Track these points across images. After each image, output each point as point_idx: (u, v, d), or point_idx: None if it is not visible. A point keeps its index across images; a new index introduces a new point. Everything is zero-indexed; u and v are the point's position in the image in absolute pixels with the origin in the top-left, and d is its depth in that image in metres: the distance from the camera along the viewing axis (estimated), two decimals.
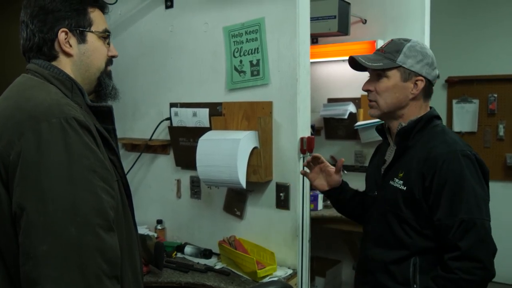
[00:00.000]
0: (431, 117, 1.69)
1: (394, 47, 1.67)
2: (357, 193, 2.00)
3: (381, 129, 1.84)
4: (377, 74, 1.69)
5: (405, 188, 1.61)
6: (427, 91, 1.69)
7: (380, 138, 1.89)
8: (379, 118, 1.79)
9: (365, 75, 1.77)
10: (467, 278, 1.47)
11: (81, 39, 1.28)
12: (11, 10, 3.74)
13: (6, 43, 3.76)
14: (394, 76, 1.66)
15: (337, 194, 1.97)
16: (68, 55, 1.26)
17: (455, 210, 1.51)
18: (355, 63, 1.73)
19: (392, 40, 1.72)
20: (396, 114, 1.70)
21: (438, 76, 1.72)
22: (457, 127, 4.75)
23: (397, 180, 1.64)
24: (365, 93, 1.76)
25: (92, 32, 1.29)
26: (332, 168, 1.95)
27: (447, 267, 1.51)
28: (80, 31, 1.27)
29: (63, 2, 1.24)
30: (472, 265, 1.47)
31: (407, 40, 1.69)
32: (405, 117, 1.70)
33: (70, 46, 1.26)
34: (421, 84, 1.65)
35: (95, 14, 1.30)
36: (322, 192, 2.01)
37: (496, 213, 3.90)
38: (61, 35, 1.24)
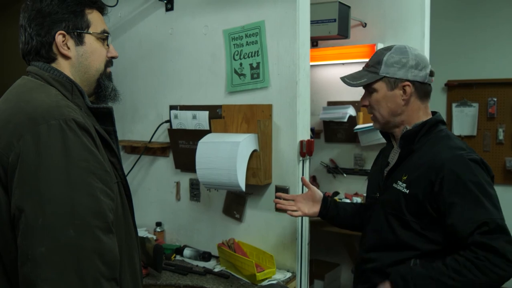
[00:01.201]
0: (437, 121, 1.70)
1: (376, 59, 1.71)
2: (347, 205, 2.02)
3: (386, 132, 1.85)
4: (368, 89, 1.74)
5: (407, 191, 1.61)
6: (421, 93, 1.70)
7: (380, 142, 1.90)
8: (382, 129, 1.82)
9: None
10: (493, 269, 1.44)
11: (79, 41, 1.27)
12: (10, 12, 3.74)
13: (5, 46, 3.76)
14: (381, 87, 1.70)
15: (325, 212, 1.97)
16: (66, 57, 1.26)
17: (477, 214, 1.49)
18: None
19: (376, 51, 1.76)
20: (395, 122, 1.73)
21: (432, 74, 1.72)
22: (456, 131, 4.75)
23: (400, 183, 1.64)
24: (365, 107, 1.80)
25: (90, 33, 1.29)
26: (308, 190, 1.98)
27: (471, 252, 1.47)
28: (78, 33, 1.27)
29: (60, 5, 1.24)
30: (501, 260, 1.44)
31: (389, 49, 1.71)
32: (406, 122, 1.71)
33: (68, 48, 1.26)
34: (409, 89, 1.67)
35: (93, 16, 1.30)
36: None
37: None
38: (59, 38, 1.24)
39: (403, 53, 1.68)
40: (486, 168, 1.59)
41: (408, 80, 1.66)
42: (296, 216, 2.00)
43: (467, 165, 1.54)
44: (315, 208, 1.97)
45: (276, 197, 2.04)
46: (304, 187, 2.28)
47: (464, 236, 1.49)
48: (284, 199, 2.01)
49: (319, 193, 1.99)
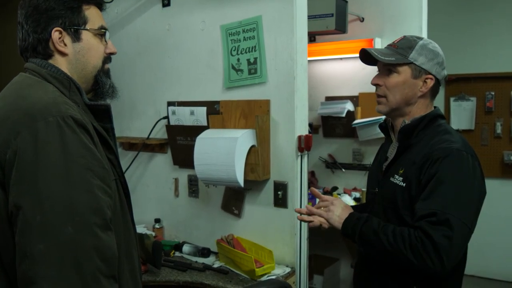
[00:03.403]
0: (435, 116, 1.69)
1: (407, 44, 1.67)
2: (361, 206, 1.99)
3: (385, 127, 1.84)
4: (387, 69, 1.69)
5: (404, 184, 1.61)
6: (435, 90, 1.70)
7: (379, 136, 1.89)
8: (386, 115, 1.78)
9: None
10: (422, 254, 1.45)
11: (76, 37, 1.26)
12: (8, 9, 3.73)
13: (5, 42, 3.75)
14: (405, 72, 1.66)
15: None
16: (63, 54, 1.25)
17: (430, 201, 1.49)
18: (365, 56, 1.72)
19: (404, 36, 1.72)
20: (403, 111, 1.70)
21: (446, 77, 1.72)
22: (454, 125, 4.76)
23: (397, 177, 1.64)
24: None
25: (87, 30, 1.28)
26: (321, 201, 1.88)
27: (415, 231, 1.49)
28: (75, 29, 1.26)
29: (57, 1, 1.23)
30: (432, 250, 1.44)
31: (420, 38, 1.69)
32: (411, 114, 1.70)
33: (65, 45, 1.25)
34: (430, 83, 1.66)
35: (90, 11, 1.29)
36: None
37: (493, 209, 3.91)
38: (55, 35, 1.23)
39: (434, 47, 1.68)
40: (473, 166, 1.55)
41: (432, 74, 1.66)
42: (323, 229, 1.86)
43: (453, 159, 1.53)
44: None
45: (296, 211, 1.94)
46: (302, 181, 2.29)
47: (415, 218, 1.51)
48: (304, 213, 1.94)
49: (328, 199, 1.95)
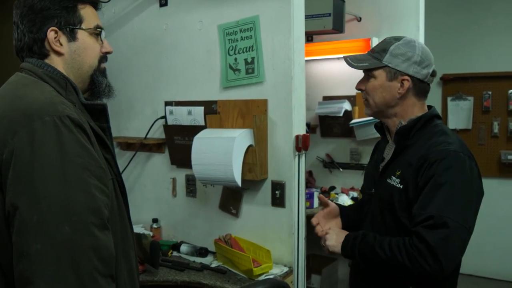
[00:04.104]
0: (432, 116, 1.69)
1: (382, 46, 1.69)
2: (357, 206, 1.99)
3: (380, 127, 1.84)
4: (367, 74, 1.72)
5: (401, 186, 1.61)
6: (418, 90, 1.68)
7: (376, 136, 1.89)
8: (372, 117, 1.82)
9: (360, 73, 1.78)
10: (419, 260, 1.46)
11: (72, 37, 1.26)
12: (3, 9, 3.72)
13: (1, 42, 3.74)
14: (380, 75, 1.68)
15: (347, 224, 1.91)
16: (58, 54, 1.25)
17: (427, 205, 1.49)
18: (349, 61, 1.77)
19: (385, 39, 1.74)
20: (387, 112, 1.72)
21: (433, 74, 1.70)
22: (451, 124, 4.77)
23: (394, 178, 1.64)
24: (360, 91, 1.78)
25: (82, 29, 1.28)
26: (327, 206, 1.93)
27: (410, 238, 1.50)
28: (70, 29, 1.26)
29: (52, 0, 1.23)
30: (429, 254, 1.45)
31: (398, 39, 1.69)
32: (399, 115, 1.70)
33: (61, 44, 1.25)
34: (407, 84, 1.65)
35: (86, 11, 1.29)
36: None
37: (491, 209, 3.92)
38: (51, 34, 1.23)
39: (410, 46, 1.66)
40: (470, 166, 1.55)
41: (408, 75, 1.65)
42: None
43: (451, 161, 1.52)
44: (338, 223, 1.92)
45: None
46: (300, 181, 2.29)
47: (413, 223, 1.52)
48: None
49: (336, 208, 1.94)
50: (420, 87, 1.69)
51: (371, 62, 1.68)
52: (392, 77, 1.66)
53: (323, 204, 1.93)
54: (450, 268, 1.47)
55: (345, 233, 1.75)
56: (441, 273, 1.46)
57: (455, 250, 1.47)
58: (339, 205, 1.98)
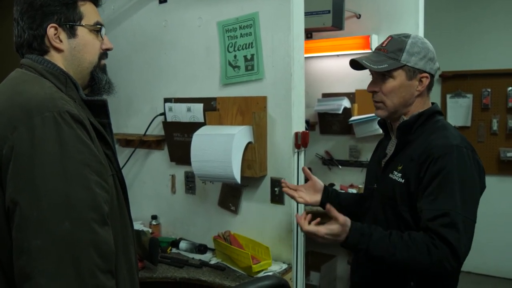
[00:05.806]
0: (433, 112, 1.69)
1: (396, 45, 1.66)
2: (348, 194, 2.02)
3: (383, 123, 1.84)
4: (381, 75, 1.67)
5: (403, 180, 1.61)
6: (430, 86, 1.70)
7: (376, 133, 1.89)
8: (386, 119, 1.78)
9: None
10: (442, 260, 1.46)
11: (71, 33, 1.26)
12: (3, 6, 3.71)
13: (1, 39, 3.73)
14: (400, 76, 1.65)
15: (326, 201, 1.94)
16: (58, 50, 1.25)
17: (437, 200, 1.50)
18: (356, 64, 1.71)
19: (391, 37, 1.70)
20: (402, 112, 1.70)
21: (438, 69, 1.72)
22: (451, 121, 4.76)
23: (396, 173, 1.65)
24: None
25: (82, 26, 1.27)
26: (309, 181, 1.98)
27: (430, 237, 1.48)
28: (70, 25, 1.25)
29: None
30: (451, 254, 1.45)
31: (407, 36, 1.67)
32: (409, 113, 1.70)
33: (61, 41, 1.25)
34: (426, 81, 1.66)
35: (86, 7, 1.29)
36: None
37: (490, 206, 3.92)
38: (50, 31, 1.23)
39: (423, 43, 1.66)
40: (474, 160, 1.57)
41: (426, 72, 1.65)
42: (299, 202, 2.02)
43: (455, 155, 1.53)
44: (317, 197, 1.98)
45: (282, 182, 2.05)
46: (299, 178, 2.29)
47: (426, 220, 1.50)
48: (288, 187, 2.02)
49: (320, 183, 2.00)
50: (431, 83, 1.70)
51: (390, 62, 1.64)
52: (411, 76, 1.65)
53: (306, 176, 1.96)
54: (462, 263, 1.49)
55: (348, 224, 1.63)
56: (457, 270, 1.48)
57: (469, 246, 1.49)
58: (338, 191, 2.01)
